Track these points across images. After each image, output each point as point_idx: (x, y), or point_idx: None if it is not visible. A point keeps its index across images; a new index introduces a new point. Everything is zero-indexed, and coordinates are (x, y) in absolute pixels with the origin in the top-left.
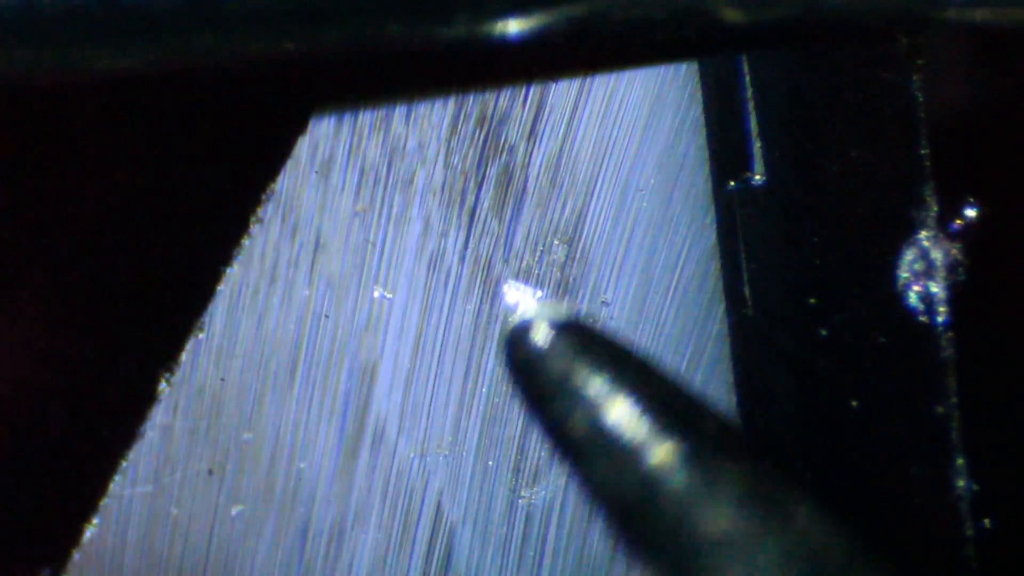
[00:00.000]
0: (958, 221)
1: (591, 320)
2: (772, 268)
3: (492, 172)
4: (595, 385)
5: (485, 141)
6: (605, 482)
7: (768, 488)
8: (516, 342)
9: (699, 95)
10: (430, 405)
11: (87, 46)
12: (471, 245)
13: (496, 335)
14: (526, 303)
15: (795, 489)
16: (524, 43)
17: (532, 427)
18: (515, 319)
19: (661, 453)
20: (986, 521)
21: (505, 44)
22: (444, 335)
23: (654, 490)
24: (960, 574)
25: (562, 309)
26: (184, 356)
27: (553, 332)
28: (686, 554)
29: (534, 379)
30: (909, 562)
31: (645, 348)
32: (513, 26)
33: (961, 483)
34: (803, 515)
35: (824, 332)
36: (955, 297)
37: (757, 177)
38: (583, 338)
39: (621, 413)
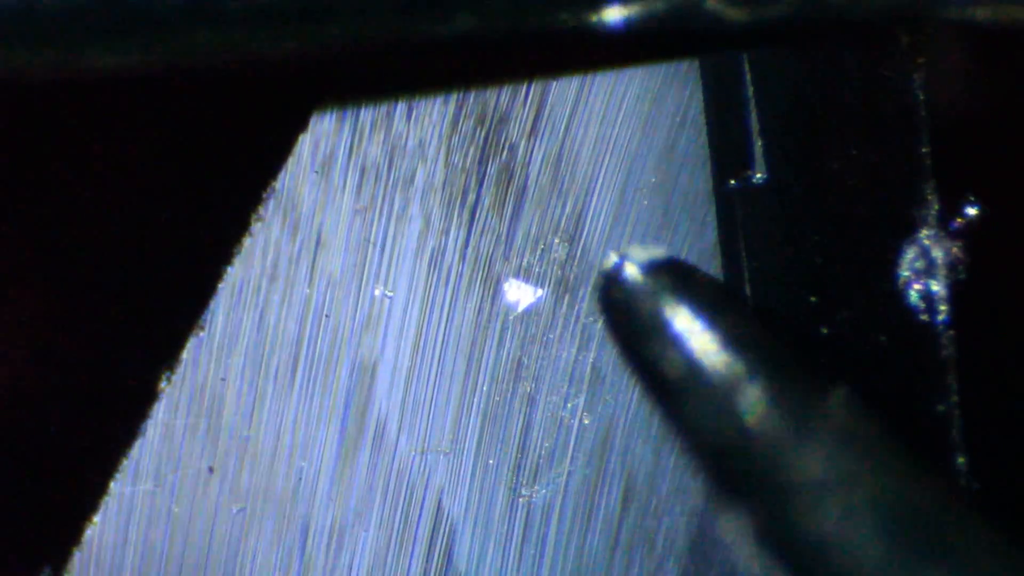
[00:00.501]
0: (959, 219)
1: (684, 261)
2: (773, 266)
3: (492, 170)
4: (689, 324)
5: (485, 139)
6: (698, 423)
7: (862, 430)
8: (609, 282)
9: (699, 93)
10: (430, 403)
11: (87, 45)
12: (471, 243)
13: (497, 332)
14: (527, 301)
15: (889, 432)
16: (525, 41)
17: (533, 425)
18: (608, 261)
19: (754, 393)
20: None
21: (506, 42)
22: (445, 333)
23: (748, 430)
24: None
25: (655, 250)
26: (185, 354)
27: (646, 271)
28: (781, 495)
29: (627, 319)
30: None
31: None
32: (514, 25)
33: (962, 482)
34: (894, 457)
35: (825, 330)
36: (956, 296)
37: (758, 175)
38: (676, 277)
39: (715, 353)
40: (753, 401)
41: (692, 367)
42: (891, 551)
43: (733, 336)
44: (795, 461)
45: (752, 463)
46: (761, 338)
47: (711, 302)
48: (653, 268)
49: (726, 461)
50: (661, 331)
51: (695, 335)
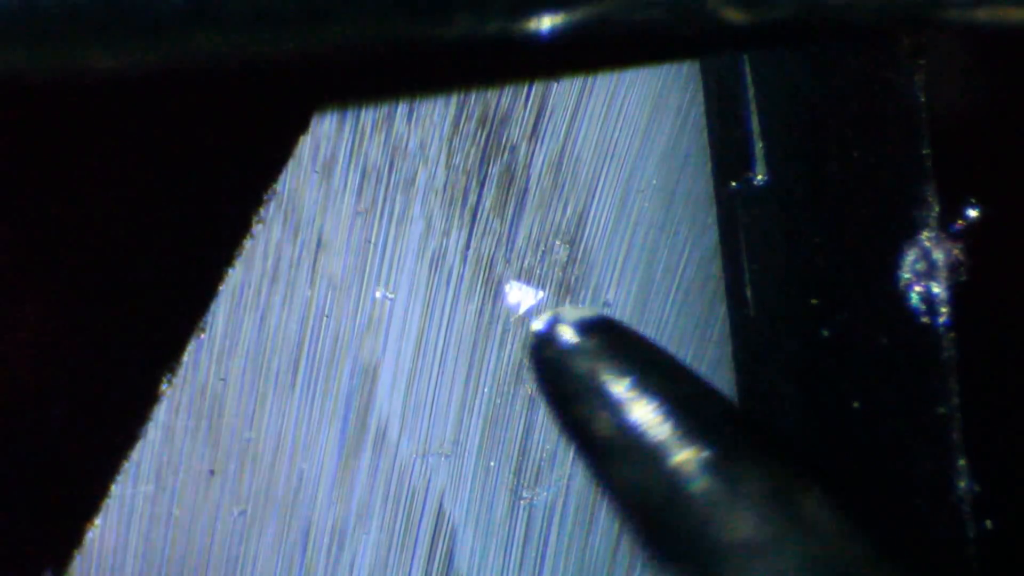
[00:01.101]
0: (960, 221)
1: (616, 321)
2: (774, 268)
3: (494, 172)
4: (620, 386)
5: (487, 141)
6: (628, 484)
7: (792, 491)
8: (542, 342)
9: (701, 95)
10: (432, 406)
11: (87, 46)
12: (473, 245)
13: (498, 335)
14: (529, 303)
15: (818, 491)
16: (526, 43)
17: (534, 428)
18: (540, 319)
19: (685, 456)
20: (988, 522)
21: (507, 44)
22: (446, 335)
23: (677, 493)
24: (962, 575)
25: (587, 310)
26: (186, 356)
27: (579, 332)
28: (709, 558)
29: (559, 379)
30: (911, 563)
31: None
32: (515, 27)
33: (963, 484)
34: (826, 519)
35: (826, 332)
36: (957, 297)
37: (759, 177)
38: (609, 338)
39: (645, 414)
40: (681, 462)
41: (622, 429)
42: None
43: (662, 397)
44: (725, 523)
45: (680, 525)
46: (692, 398)
47: (643, 363)
48: (585, 328)
49: (655, 522)
50: (592, 392)
51: (626, 397)
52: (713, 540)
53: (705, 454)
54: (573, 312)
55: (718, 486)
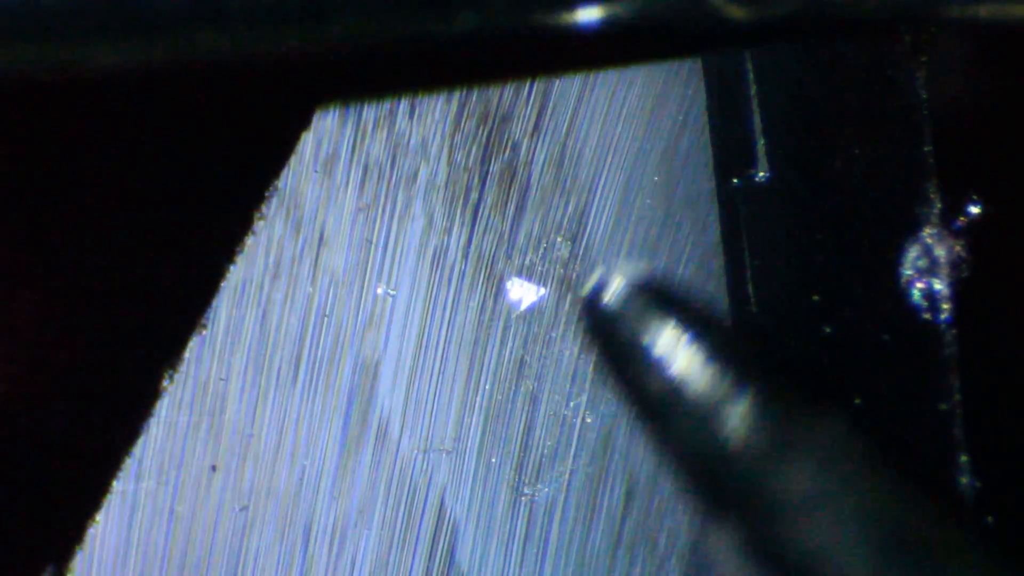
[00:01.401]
0: (962, 218)
1: (668, 280)
2: (775, 265)
3: (495, 169)
4: (672, 344)
5: (488, 138)
6: (683, 440)
7: (850, 447)
8: (590, 303)
9: (702, 92)
10: (433, 402)
11: (88, 43)
12: (474, 242)
13: (499, 332)
14: (530, 300)
15: (878, 449)
16: (528, 40)
17: (535, 424)
18: (591, 280)
19: (741, 411)
20: (989, 519)
21: (509, 41)
22: (447, 332)
23: (733, 447)
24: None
25: (639, 268)
26: (187, 353)
27: (629, 291)
28: (767, 511)
29: (609, 341)
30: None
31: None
32: (518, 23)
33: (964, 481)
34: (881, 473)
35: (828, 329)
36: (959, 294)
37: (760, 174)
38: (658, 297)
39: (697, 371)
40: (737, 418)
41: (675, 386)
42: (879, 566)
43: (715, 355)
44: (781, 476)
45: (738, 480)
46: (743, 356)
47: (693, 322)
48: (634, 288)
49: (712, 479)
50: (644, 351)
51: (678, 355)
52: (770, 493)
53: (759, 408)
54: (622, 272)
55: (773, 439)
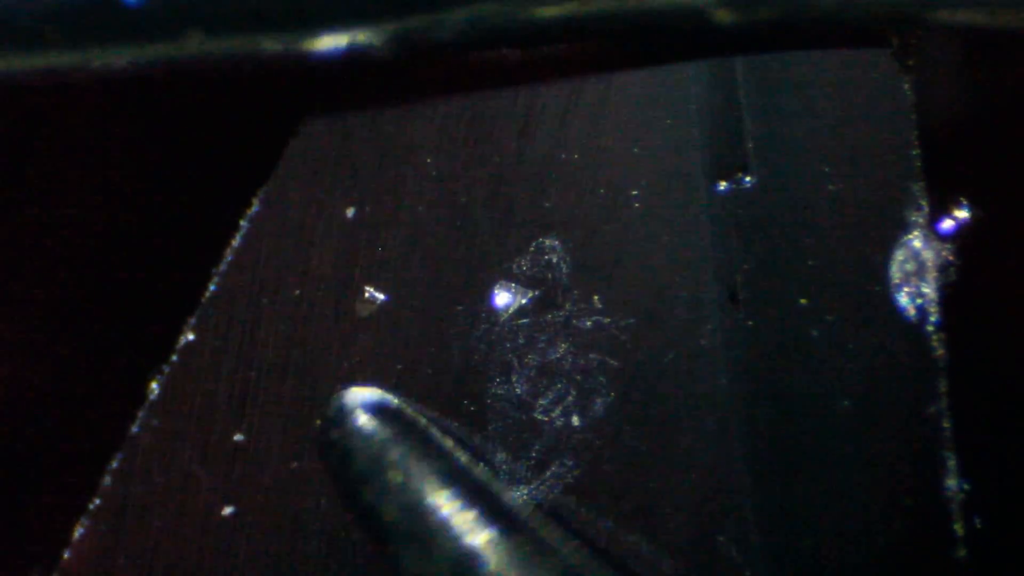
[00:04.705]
0: (950, 222)
1: (402, 405)
2: (764, 269)
3: (484, 172)
4: (409, 470)
5: (477, 141)
6: (417, 567)
7: (583, 568)
8: (331, 423)
9: (692, 95)
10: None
11: (80, 47)
12: (462, 246)
13: (487, 335)
14: (518, 304)
15: (606, 566)
16: (519, 43)
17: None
18: (331, 405)
19: (474, 537)
20: (977, 521)
21: (499, 45)
22: (436, 335)
23: (467, 573)
24: (951, 574)
25: (375, 393)
26: (175, 356)
27: (367, 416)
28: None
29: (347, 462)
30: (900, 562)
31: (643, 351)
32: (508, 27)
33: (952, 483)
34: None
35: (815, 333)
36: (946, 298)
37: (749, 178)
38: (398, 422)
39: (434, 498)
40: (471, 545)
41: (411, 512)
42: None
43: (453, 483)
44: None
45: None
46: (481, 486)
47: (431, 449)
48: (375, 410)
49: None
50: (380, 475)
51: (415, 481)
52: None
53: (494, 534)
54: (361, 394)
55: (508, 568)
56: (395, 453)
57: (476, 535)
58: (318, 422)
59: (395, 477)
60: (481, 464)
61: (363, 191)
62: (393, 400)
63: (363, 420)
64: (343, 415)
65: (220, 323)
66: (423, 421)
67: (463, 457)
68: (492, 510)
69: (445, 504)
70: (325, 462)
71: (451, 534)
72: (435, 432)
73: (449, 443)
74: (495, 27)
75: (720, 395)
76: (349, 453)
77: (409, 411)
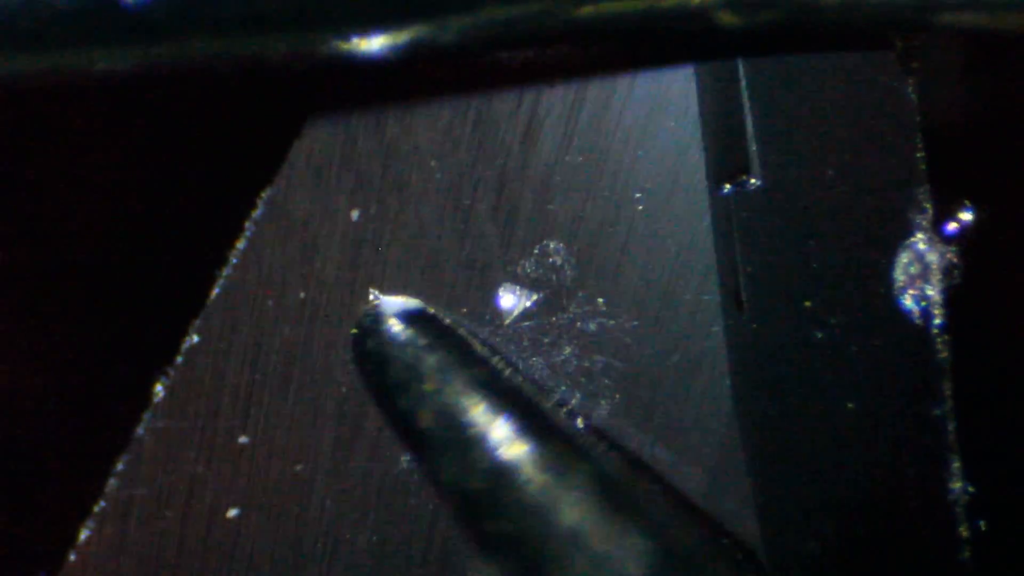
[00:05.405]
0: (954, 224)
1: (436, 313)
2: (768, 271)
3: (488, 175)
4: (446, 376)
5: (481, 144)
6: (453, 474)
7: (620, 484)
8: (365, 332)
9: (696, 98)
10: None
11: (83, 48)
12: (466, 248)
13: (492, 337)
14: (522, 306)
15: (646, 481)
16: (522, 47)
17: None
18: (364, 311)
19: (510, 447)
20: (981, 523)
21: (502, 48)
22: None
23: (503, 482)
24: None
25: (410, 301)
26: (180, 359)
27: (402, 324)
28: (534, 547)
29: (383, 370)
30: (905, 564)
31: (647, 353)
32: (509, 30)
33: (957, 485)
34: (652, 509)
35: (819, 335)
36: (951, 300)
37: (753, 180)
38: (433, 329)
39: (471, 406)
40: (509, 454)
41: (448, 420)
42: None
43: (490, 391)
44: (550, 512)
45: (506, 514)
46: (519, 393)
47: (468, 356)
48: (409, 318)
49: (481, 513)
50: (417, 382)
51: (452, 388)
52: (538, 529)
53: (531, 445)
54: (395, 303)
55: (543, 476)
56: (431, 360)
57: (511, 447)
58: (353, 331)
59: (430, 385)
60: (512, 370)
61: (368, 193)
62: (428, 308)
63: (398, 328)
64: (378, 324)
65: (225, 325)
66: (458, 329)
67: (498, 363)
68: (526, 419)
69: (481, 415)
70: (361, 370)
71: (487, 445)
72: (469, 339)
73: (483, 350)
74: (499, 31)
75: (724, 397)
76: (385, 361)
77: (443, 319)
